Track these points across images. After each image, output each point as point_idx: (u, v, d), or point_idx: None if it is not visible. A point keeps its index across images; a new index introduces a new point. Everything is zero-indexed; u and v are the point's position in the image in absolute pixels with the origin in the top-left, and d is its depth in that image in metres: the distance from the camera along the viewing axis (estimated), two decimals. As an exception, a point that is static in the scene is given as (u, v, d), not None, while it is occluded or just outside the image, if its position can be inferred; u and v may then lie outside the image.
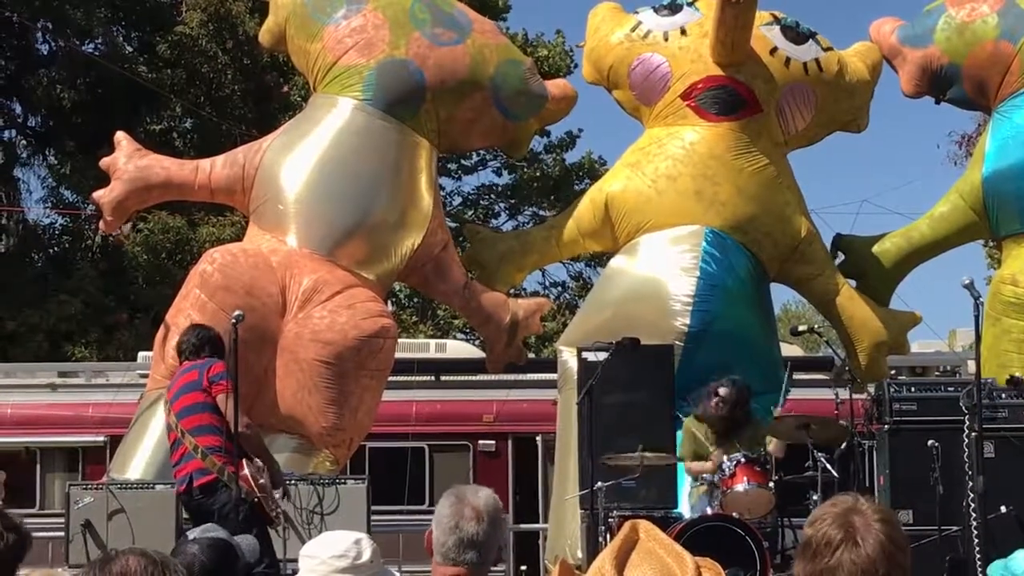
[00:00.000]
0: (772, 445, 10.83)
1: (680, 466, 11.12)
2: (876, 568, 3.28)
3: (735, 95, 12.89)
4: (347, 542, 4.65)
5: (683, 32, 13.06)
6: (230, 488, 9.47)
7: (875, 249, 13.74)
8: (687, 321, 12.35)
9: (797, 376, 14.86)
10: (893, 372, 14.17)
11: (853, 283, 13.54)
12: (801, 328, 12.95)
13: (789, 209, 13.09)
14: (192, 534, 6.36)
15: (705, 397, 11.05)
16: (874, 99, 13.69)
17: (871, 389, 11.90)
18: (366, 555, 4.63)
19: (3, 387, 16.97)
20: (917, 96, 13.61)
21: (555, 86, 13.85)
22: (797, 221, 13.10)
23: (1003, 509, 10.02)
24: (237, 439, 9.57)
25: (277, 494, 9.94)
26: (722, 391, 10.93)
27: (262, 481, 9.65)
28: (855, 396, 11.30)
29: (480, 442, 16.40)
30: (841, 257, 13.86)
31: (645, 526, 3.25)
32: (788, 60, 13.02)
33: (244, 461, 9.65)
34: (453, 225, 23.52)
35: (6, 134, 30.57)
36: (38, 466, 16.28)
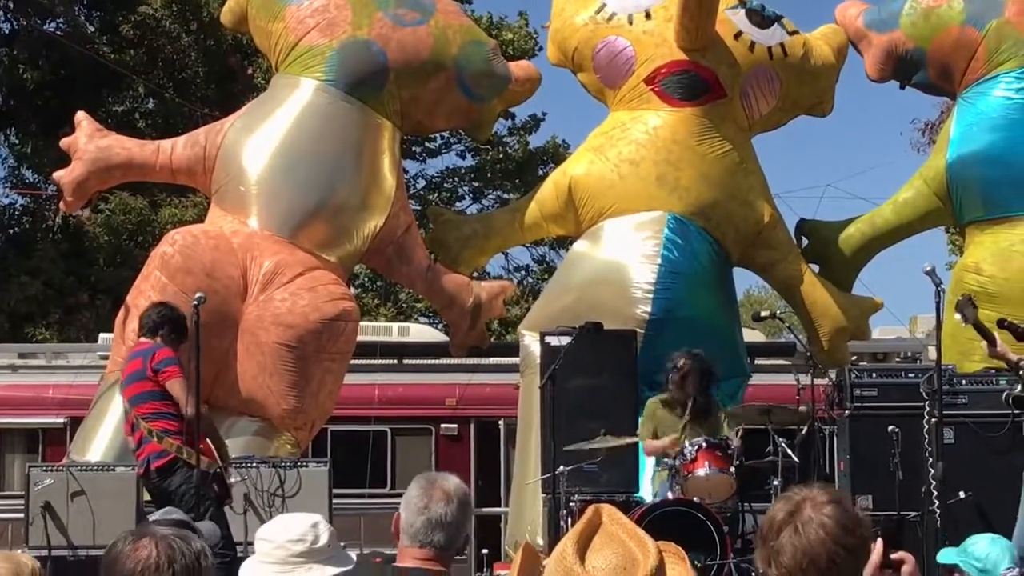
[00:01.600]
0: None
1: (642, 450, 11.12)
2: (818, 549, 3.30)
3: (699, 80, 12.88)
4: (304, 525, 4.60)
5: (648, 16, 13.03)
6: (190, 465, 9.47)
7: (838, 234, 13.77)
8: (648, 309, 12.35)
9: (759, 362, 14.91)
10: (854, 358, 14.21)
11: (816, 268, 13.57)
12: (763, 314, 12.94)
13: (752, 194, 13.09)
14: (153, 516, 6.33)
15: (667, 371, 11.02)
16: (839, 83, 13.71)
17: (832, 375, 11.93)
18: (323, 539, 4.58)
19: (-38, 369, 16.84)
20: (882, 80, 13.63)
21: (519, 68, 13.83)
22: (760, 206, 13.11)
23: (962, 495, 10.06)
24: (197, 419, 9.56)
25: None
26: (680, 362, 10.90)
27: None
28: (816, 381, 11.32)
29: (442, 426, 16.36)
30: (804, 242, 13.89)
31: (608, 510, 3.23)
32: (753, 44, 13.01)
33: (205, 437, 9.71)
34: (417, 208, 23.47)
35: (-34, 114, 30.32)
36: (-3, 447, 16.18)
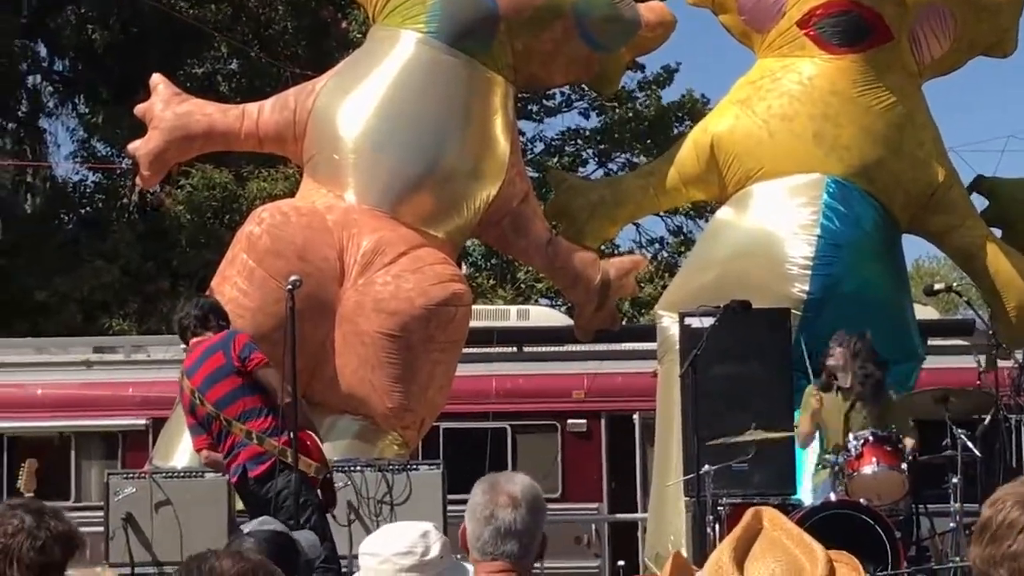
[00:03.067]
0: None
1: (798, 447, 11.07)
2: None
3: (860, 22, 12.74)
4: (413, 536, 4.62)
5: (800, -53, 12.92)
6: (292, 469, 9.42)
7: (1024, 193, 13.59)
8: (806, 287, 12.24)
9: (933, 342, 14.75)
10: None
11: (998, 233, 13.38)
12: (937, 287, 12.85)
13: (923, 151, 12.94)
14: (247, 527, 6.40)
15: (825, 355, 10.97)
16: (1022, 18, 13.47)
17: (1018, 355, 11.78)
18: (435, 550, 4.60)
19: (33, 365, 17.17)
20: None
21: (649, 10, 13.73)
22: (933, 165, 12.96)
23: None
24: (295, 413, 9.53)
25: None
26: (834, 350, 10.83)
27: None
28: (1000, 364, 11.18)
29: (569, 421, 16.42)
30: (984, 203, 13.70)
31: (770, 514, 3.24)
32: (922, -22, 12.83)
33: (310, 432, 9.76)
34: (535, 174, 23.50)
35: (30, 80, 30.82)
36: (73, 453, 16.48)
